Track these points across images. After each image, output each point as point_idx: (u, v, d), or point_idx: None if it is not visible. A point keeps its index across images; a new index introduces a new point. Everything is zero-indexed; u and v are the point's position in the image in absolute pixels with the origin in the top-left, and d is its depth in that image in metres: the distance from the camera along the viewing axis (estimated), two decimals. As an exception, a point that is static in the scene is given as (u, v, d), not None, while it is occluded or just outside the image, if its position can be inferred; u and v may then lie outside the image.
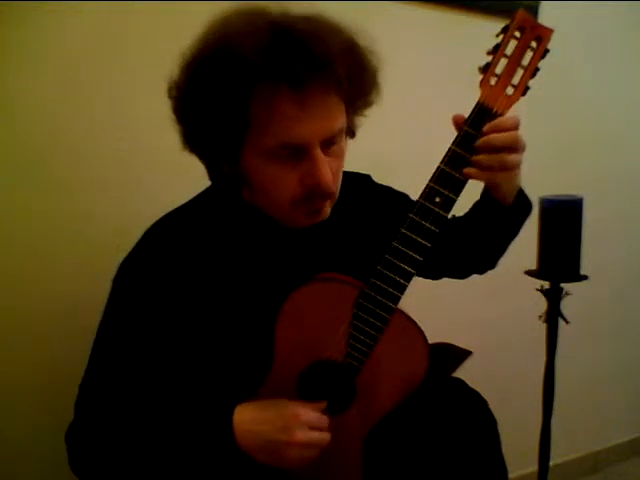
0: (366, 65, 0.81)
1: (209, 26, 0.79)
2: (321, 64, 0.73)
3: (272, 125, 0.75)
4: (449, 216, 1.02)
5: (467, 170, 0.81)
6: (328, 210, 0.85)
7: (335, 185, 0.83)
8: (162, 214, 0.89)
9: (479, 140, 0.80)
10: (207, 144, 0.82)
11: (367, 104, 0.85)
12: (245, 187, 0.86)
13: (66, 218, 1.17)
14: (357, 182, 0.99)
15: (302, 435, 0.76)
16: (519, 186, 0.92)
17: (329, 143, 0.80)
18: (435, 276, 1.10)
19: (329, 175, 0.79)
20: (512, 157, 0.81)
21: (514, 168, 0.83)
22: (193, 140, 0.83)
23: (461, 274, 1.11)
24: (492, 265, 1.07)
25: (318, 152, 0.78)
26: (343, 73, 0.75)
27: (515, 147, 0.81)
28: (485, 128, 0.80)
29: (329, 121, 0.78)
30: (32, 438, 1.17)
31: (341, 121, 0.81)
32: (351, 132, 0.88)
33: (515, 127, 0.81)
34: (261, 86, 0.74)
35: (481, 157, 0.80)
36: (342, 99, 0.79)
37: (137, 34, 1.19)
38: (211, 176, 0.89)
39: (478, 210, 0.98)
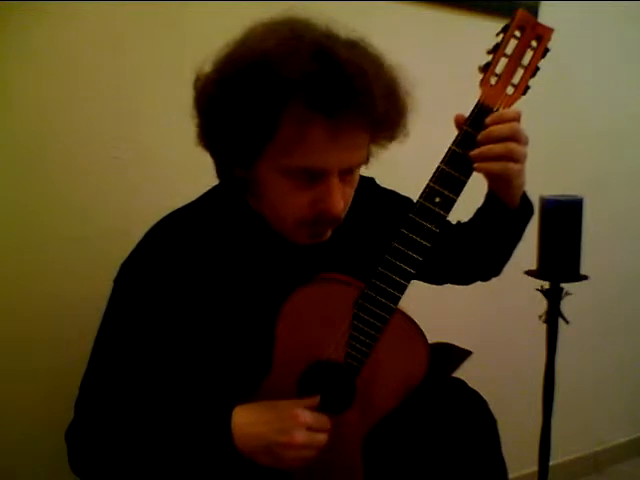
0: (403, 108, 0.80)
1: (253, 29, 0.77)
2: (362, 102, 0.72)
3: (299, 148, 0.75)
4: (454, 221, 1.03)
5: (478, 164, 0.80)
6: (330, 233, 0.85)
7: (343, 212, 0.82)
8: (161, 214, 0.88)
9: (480, 134, 0.80)
10: (225, 145, 0.80)
11: (391, 140, 0.84)
12: (252, 194, 0.86)
13: (66, 218, 1.17)
14: (361, 185, 0.99)
15: (301, 436, 0.76)
16: (524, 186, 0.91)
17: (347, 172, 0.80)
18: (438, 281, 1.10)
19: (341, 204, 0.79)
20: (517, 146, 0.80)
21: (520, 159, 0.82)
22: (211, 137, 0.82)
23: (465, 280, 1.10)
24: (497, 272, 1.07)
25: (336, 180, 0.78)
26: (380, 114, 0.75)
27: (517, 138, 0.80)
28: (487, 120, 0.80)
29: (354, 154, 0.79)
30: (32, 437, 1.17)
31: (365, 154, 0.81)
32: (366, 159, 0.87)
33: (516, 119, 0.81)
34: (296, 107, 0.73)
35: (485, 148, 0.79)
36: (369, 133, 0.79)
37: (137, 34, 1.19)
38: (219, 175, 0.88)
39: (483, 214, 0.98)
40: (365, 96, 0.72)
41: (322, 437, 0.78)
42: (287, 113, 0.74)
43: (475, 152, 0.80)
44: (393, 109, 0.78)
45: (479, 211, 0.99)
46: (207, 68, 0.79)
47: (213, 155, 0.85)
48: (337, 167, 0.77)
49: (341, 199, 0.79)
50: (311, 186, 0.78)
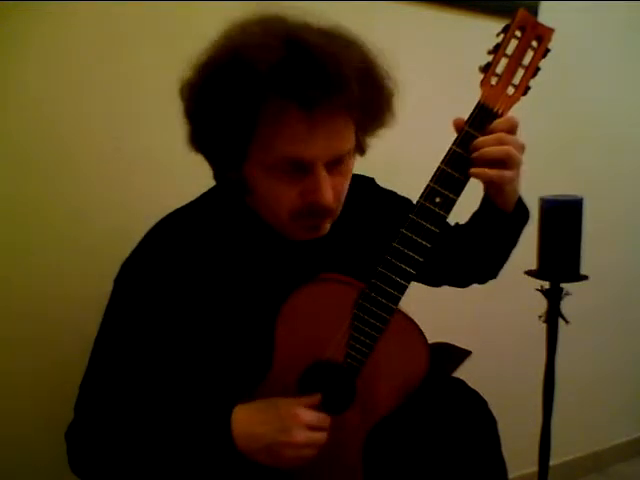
0: (381, 89, 0.79)
1: (227, 30, 0.77)
2: (334, 87, 0.71)
3: (277, 142, 0.74)
4: (452, 223, 1.03)
5: (474, 169, 0.80)
6: (327, 227, 0.84)
7: (336, 203, 0.81)
8: (161, 214, 0.88)
9: (473, 154, 0.80)
10: (213, 148, 0.81)
11: (379, 126, 0.83)
12: (248, 193, 0.86)
13: (65, 218, 1.17)
14: (361, 185, 0.99)
15: (301, 436, 0.76)
16: (519, 191, 0.91)
17: (335, 162, 0.79)
18: (435, 283, 1.10)
19: (330, 194, 0.78)
20: (515, 152, 0.81)
21: (514, 166, 0.82)
22: (199, 142, 0.82)
23: (462, 283, 1.10)
24: (493, 275, 1.07)
25: (321, 171, 0.77)
26: (356, 97, 0.73)
27: (514, 144, 0.81)
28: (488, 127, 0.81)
29: (336, 142, 0.77)
30: (31, 437, 1.16)
31: (349, 142, 0.80)
32: (361, 150, 0.86)
33: (511, 129, 0.81)
34: (270, 101, 0.72)
35: (483, 151, 0.80)
36: (352, 120, 0.78)
37: (137, 34, 1.19)
38: (216, 177, 0.89)
39: (478, 218, 0.98)
40: (338, 80, 0.71)
41: (322, 436, 0.79)
42: (264, 110, 0.73)
43: (474, 154, 0.80)
44: (371, 92, 0.77)
45: (475, 215, 0.99)
46: (188, 74, 0.79)
47: (206, 159, 0.85)
48: (320, 156, 0.76)
49: (329, 189, 0.78)
50: (299, 179, 0.78)
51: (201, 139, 0.81)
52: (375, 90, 0.78)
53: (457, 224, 1.04)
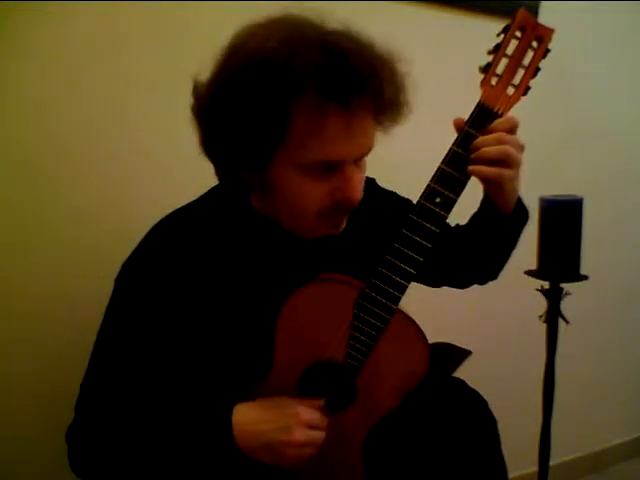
0: (405, 90, 0.81)
1: (249, 32, 0.77)
2: (371, 87, 0.74)
3: (315, 141, 0.75)
4: (453, 224, 1.03)
5: (472, 167, 0.80)
6: (345, 223, 0.85)
7: (360, 197, 0.83)
8: (162, 214, 0.88)
9: (471, 155, 0.81)
10: (233, 151, 0.79)
11: (396, 123, 0.85)
12: (260, 195, 0.85)
13: (65, 218, 1.16)
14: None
15: (302, 434, 0.76)
16: (518, 191, 0.91)
17: (359, 158, 0.81)
18: (435, 284, 1.10)
19: (361, 191, 0.80)
20: (513, 152, 0.81)
21: (514, 165, 0.82)
22: (217, 146, 0.81)
23: (461, 284, 1.10)
24: (494, 276, 1.07)
25: (353, 169, 0.79)
26: (386, 97, 0.76)
27: (513, 144, 0.81)
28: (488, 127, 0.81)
29: (367, 141, 0.79)
30: (32, 439, 1.16)
31: (374, 139, 0.81)
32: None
33: (511, 129, 0.82)
34: (306, 100, 0.73)
35: (481, 151, 0.80)
36: (375, 118, 0.80)
37: (137, 34, 1.19)
38: (221, 178, 0.88)
39: (478, 219, 0.98)
40: (374, 81, 0.74)
41: (323, 435, 0.79)
42: (296, 108, 0.73)
43: (473, 155, 0.81)
44: (398, 91, 0.79)
45: (475, 216, 0.99)
46: (205, 75, 0.79)
47: (217, 162, 0.84)
48: (355, 155, 0.78)
49: (360, 186, 0.80)
50: (328, 176, 0.78)
51: (218, 141, 0.80)
52: (400, 89, 0.80)
53: (457, 225, 1.04)
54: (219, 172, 0.87)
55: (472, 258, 1.03)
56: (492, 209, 0.92)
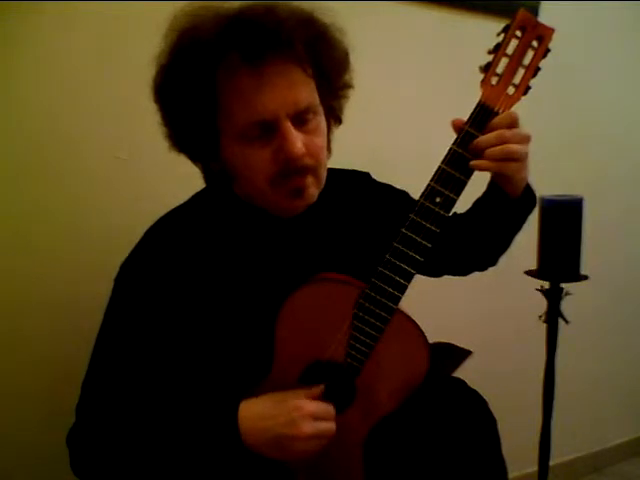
0: (331, 41, 0.81)
1: (174, 22, 0.80)
2: (275, 35, 0.74)
3: (236, 103, 0.77)
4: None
5: (473, 162, 0.80)
6: (313, 191, 0.84)
7: (312, 160, 0.81)
8: (162, 214, 0.89)
9: (474, 142, 0.80)
10: (188, 141, 0.84)
11: (342, 85, 0.85)
12: (234, 181, 0.87)
13: (66, 218, 1.17)
14: (356, 180, 0.99)
15: (308, 427, 0.76)
16: (526, 179, 0.90)
17: (301, 120, 0.80)
18: (436, 274, 1.09)
19: (300, 147, 0.78)
20: (516, 147, 0.80)
21: (520, 158, 0.82)
22: (176, 139, 0.85)
23: (463, 271, 1.10)
24: (494, 261, 1.07)
25: (287, 125, 0.78)
26: (301, 44, 0.77)
27: (515, 140, 0.81)
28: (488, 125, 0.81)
29: (292, 93, 0.78)
30: (33, 441, 1.16)
31: (308, 96, 0.80)
32: (335, 117, 0.88)
33: (512, 124, 0.81)
34: (222, 67, 0.76)
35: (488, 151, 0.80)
36: (309, 76, 0.80)
37: (137, 34, 1.19)
38: (204, 176, 0.90)
39: (483, 204, 0.97)
40: (277, 30, 0.74)
41: (329, 425, 0.78)
42: (219, 78, 0.77)
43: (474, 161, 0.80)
44: (317, 41, 0.79)
45: (480, 199, 0.98)
46: (153, 80, 0.82)
47: (188, 156, 0.87)
48: (281, 112, 0.77)
49: (297, 140, 0.78)
50: (269, 142, 0.79)
51: (176, 134, 0.84)
52: (324, 39, 0.81)
53: (455, 213, 1.04)
54: (199, 168, 0.89)
55: (475, 243, 1.02)
56: (499, 193, 0.91)
